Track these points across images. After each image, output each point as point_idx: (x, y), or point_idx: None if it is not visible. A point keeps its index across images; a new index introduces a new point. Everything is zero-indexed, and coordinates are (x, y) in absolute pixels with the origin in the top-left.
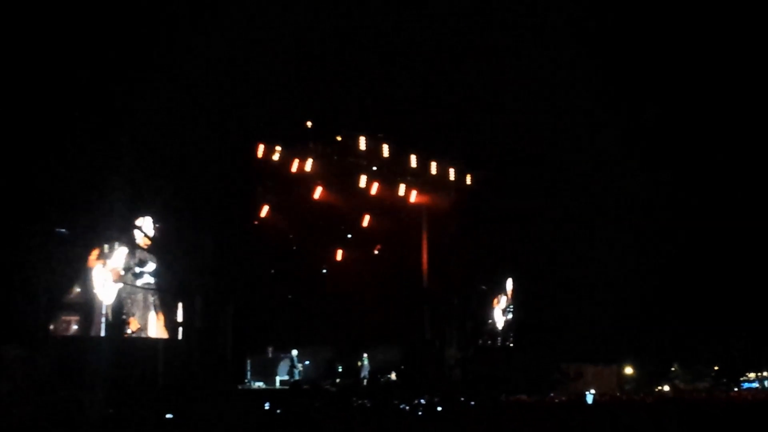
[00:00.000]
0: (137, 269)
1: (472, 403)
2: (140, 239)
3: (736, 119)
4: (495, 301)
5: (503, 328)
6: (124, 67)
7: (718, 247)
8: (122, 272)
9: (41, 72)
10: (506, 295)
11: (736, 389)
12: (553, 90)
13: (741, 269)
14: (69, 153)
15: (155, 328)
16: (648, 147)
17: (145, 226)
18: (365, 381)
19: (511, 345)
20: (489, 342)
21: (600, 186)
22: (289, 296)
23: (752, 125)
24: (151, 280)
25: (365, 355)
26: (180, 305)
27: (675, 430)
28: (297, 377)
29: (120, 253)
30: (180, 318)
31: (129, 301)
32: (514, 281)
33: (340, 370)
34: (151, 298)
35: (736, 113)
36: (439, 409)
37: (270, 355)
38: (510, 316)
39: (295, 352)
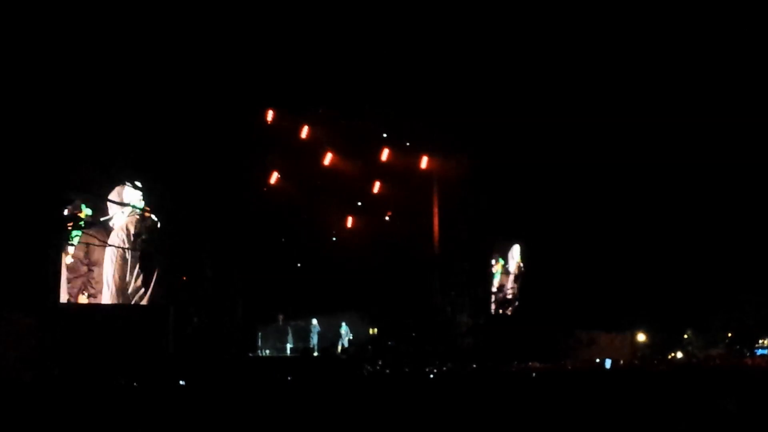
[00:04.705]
0: (144, 236)
1: (483, 370)
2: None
3: None
4: (507, 267)
5: (515, 294)
6: (129, 35)
7: (731, 213)
8: (131, 239)
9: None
10: (518, 261)
11: (749, 355)
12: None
13: (753, 235)
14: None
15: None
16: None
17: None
18: (341, 349)
19: (524, 312)
20: (501, 309)
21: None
22: (299, 264)
23: None
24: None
25: (343, 323)
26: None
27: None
28: (314, 344)
29: (128, 220)
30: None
31: (137, 268)
32: (526, 247)
33: (350, 337)
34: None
35: None
36: (450, 376)
37: (281, 323)
38: (522, 282)
39: (314, 321)
